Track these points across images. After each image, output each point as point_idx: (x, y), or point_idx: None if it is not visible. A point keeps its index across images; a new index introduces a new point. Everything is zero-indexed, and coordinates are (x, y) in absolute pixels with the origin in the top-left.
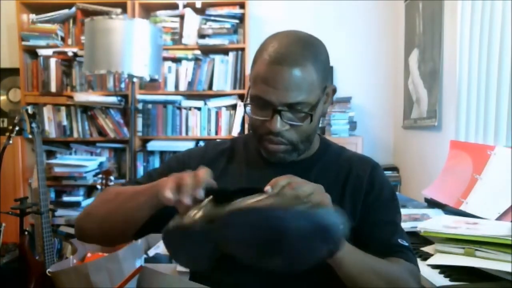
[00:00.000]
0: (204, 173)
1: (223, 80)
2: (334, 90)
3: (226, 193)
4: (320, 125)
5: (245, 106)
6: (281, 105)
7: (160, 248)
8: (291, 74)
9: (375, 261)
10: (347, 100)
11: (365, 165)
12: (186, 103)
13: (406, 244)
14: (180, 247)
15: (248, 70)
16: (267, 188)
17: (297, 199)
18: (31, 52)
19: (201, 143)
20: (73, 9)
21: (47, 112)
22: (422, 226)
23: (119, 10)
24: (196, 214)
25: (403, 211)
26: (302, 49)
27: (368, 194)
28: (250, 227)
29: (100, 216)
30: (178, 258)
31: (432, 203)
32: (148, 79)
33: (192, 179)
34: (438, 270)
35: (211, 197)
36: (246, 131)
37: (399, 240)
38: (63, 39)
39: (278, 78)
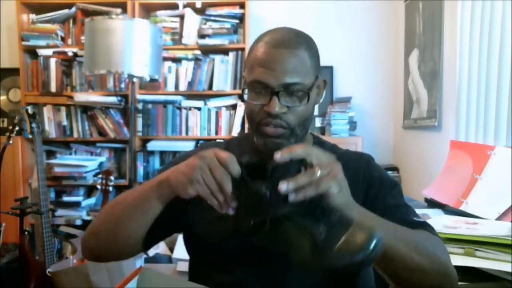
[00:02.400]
0: (227, 161)
1: (223, 80)
2: (325, 82)
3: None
4: (320, 125)
5: (243, 91)
6: (279, 87)
7: (160, 248)
8: (288, 56)
9: (410, 232)
10: (347, 100)
11: (359, 159)
12: (186, 103)
13: (423, 220)
14: None
15: None
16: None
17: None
18: (31, 52)
19: (201, 143)
20: (73, 9)
21: (47, 112)
22: None
23: (119, 10)
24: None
25: None
26: (297, 36)
27: (370, 188)
28: None
29: (107, 226)
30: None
31: (432, 203)
32: (148, 79)
33: (218, 171)
34: None
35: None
36: (246, 131)
37: (415, 218)
38: (63, 39)
39: (276, 59)
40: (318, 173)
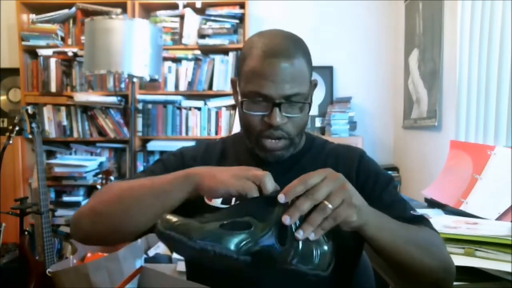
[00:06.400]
0: (268, 182)
1: (223, 80)
2: (315, 84)
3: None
4: (320, 125)
5: (241, 103)
6: (280, 98)
7: (160, 248)
8: (287, 67)
9: (405, 227)
10: (347, 100)
11: (351, 153)
12: (186, 103)
13: (420, 214)
14: None
15: None
16: (281, 196)
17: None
18: (31, 52)
19: (200, 141)
20: (73, 9)
21: (47, 112)
22: None
23: (119, 10)
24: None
25: None
26: (293, 43)
27: (366, 183)
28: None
29: (112, 210)
30: None
31: (432, 203)
32: (148, 79)
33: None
34: None
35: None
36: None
37: (412, 212)
38: (63, 39)
39: (276, 71)
40: (329, 206)
